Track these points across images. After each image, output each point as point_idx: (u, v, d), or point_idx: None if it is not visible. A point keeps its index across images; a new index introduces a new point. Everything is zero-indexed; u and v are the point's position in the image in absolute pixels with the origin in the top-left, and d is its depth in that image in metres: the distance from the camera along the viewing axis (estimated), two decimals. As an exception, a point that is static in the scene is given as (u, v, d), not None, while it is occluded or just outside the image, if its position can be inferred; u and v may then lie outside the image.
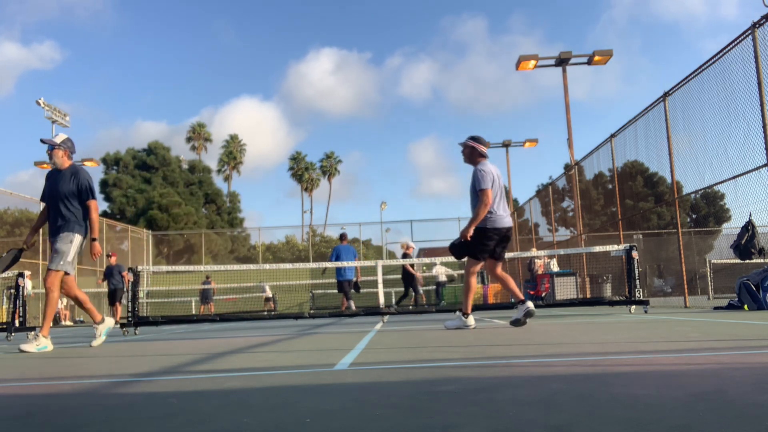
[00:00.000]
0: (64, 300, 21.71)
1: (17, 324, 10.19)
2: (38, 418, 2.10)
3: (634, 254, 9.83)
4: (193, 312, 24.71)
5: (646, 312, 9.40)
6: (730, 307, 9.82)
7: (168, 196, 48.43)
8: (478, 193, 6.77)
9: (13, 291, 10.55)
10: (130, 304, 9.59)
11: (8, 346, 7.86)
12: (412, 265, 15.97)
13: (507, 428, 1.60)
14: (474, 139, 7.04)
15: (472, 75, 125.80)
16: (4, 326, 10.04)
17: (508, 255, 18.16)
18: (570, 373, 2.71)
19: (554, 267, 17.56)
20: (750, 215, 9.71)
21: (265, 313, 17.86)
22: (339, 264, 13.34)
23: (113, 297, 17.22)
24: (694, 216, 44.60)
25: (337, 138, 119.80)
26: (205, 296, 23.79)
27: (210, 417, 1.96)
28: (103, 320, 6.78)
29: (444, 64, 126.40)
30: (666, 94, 12.34)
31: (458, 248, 7.01)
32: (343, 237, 15.08)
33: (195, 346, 6.20)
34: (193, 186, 53.97)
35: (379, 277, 10.39)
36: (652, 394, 2.05)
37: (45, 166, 33.02)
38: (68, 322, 22.11)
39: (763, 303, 9.12)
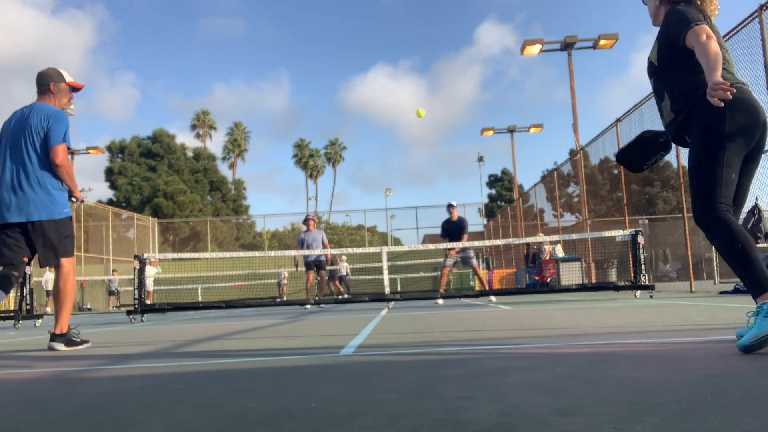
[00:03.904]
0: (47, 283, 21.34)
1: (24, 312, 10.24)
2: (44, 404, 2.12)
3: (640, 239, 9.80)
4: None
5: (651, 297, 9.39)
6: (736, 291, 9.80)
7: (173, 184, 48.45)
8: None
9: (20, 279, 10.58)
10: (136, 291, 9.63)
11: (15, 334, 7.91)
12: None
13: (512, 411, 1.60)
14: None
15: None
16: (12, 314, 10.09)
17: (511, 241, 18.15)
18: (575, 357, 2.71)
19: (559, 252, 17.53)
20: (756, 199, 9.66)
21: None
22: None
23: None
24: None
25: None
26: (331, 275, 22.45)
27: (216, 402, 1.97)
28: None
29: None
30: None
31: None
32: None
33: (201, 332, 6.23)
34: (198, 174, 53.96)
35: (384, 264, 10.39)
36: (657, 377, 2.05)
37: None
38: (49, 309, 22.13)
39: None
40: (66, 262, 4.77)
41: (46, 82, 4.90)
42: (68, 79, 5.00)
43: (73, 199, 4.88)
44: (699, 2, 3.11)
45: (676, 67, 2.99)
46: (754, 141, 2.91)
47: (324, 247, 13.44)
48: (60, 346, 4.67)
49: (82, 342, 4.81)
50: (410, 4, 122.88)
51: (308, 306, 11.87)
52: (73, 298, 4.87)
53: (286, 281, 25.21)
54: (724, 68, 2.96)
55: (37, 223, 4.60)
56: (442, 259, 22.16)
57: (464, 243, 11.34)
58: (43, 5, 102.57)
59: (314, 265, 13.58)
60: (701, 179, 2.91)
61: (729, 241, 2.75)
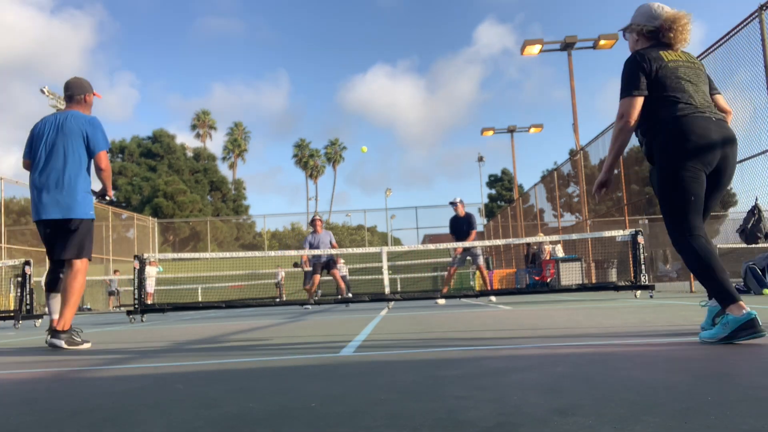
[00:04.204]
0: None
1: (24, 312, 10.24)
2: (44, 404, 2.12)
3: (640, 239, 9.80)
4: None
5: (651, 297, 9.39)
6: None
7: (173, 184, 48.45)
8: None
9: (20, 279, 10.58)
10: (136, 291, 9.63)
11: (15, 334, 7.91)
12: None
13: (512, 412, 1.60)
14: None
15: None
16: (12, 314, 10.09)
17: (511, 241, 18.16)
18: (575, 357, 2.71)
19: (559, 252, 17.52)
20: (756, 199, 9.65)
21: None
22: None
23: None
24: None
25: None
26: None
27: (216, 402, 1.97)
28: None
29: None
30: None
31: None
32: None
33: (201, 332, 6.22)
34: (198, 174, 53.98)
35: (384, 264, 10.38)
36: (657, 377, 2.05)
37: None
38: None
39: (769, 287, 9.10)
40: (78, 262, 4.95)
41: (82, 92, 5.25)
42: (94, 90, 5.38)
43: (107, 198, 5.19)
44: (671, 35, 3.30)
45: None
46: (712, 165, 3.12)
47: (332, 248, 12.62)
48: (61, 343, 4.72)
49: (83, 342, 4.82)
50: (409, 4, 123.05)
51: (308, 306, 11.86)
52: (79, 297, 4.99)
53: (283, 281, 25.21)
54: (677, 99, 3.16)
55: (64, 220, 4.85)
56: (441, 259, 22.21)
57: (466, 243, 11.32)
58: (42, 5, 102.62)
59: (323, 267, 12.76)
60: (668, 208, 3.18)
61: (696, 264, 3.07)
